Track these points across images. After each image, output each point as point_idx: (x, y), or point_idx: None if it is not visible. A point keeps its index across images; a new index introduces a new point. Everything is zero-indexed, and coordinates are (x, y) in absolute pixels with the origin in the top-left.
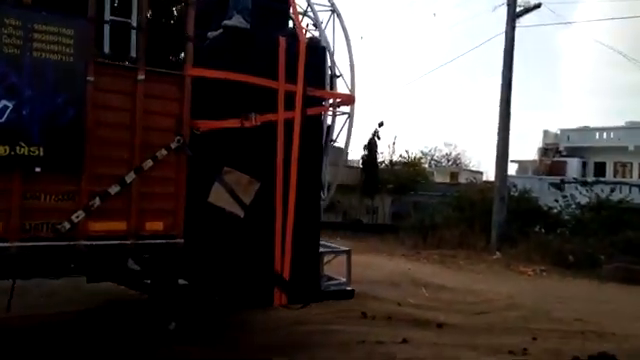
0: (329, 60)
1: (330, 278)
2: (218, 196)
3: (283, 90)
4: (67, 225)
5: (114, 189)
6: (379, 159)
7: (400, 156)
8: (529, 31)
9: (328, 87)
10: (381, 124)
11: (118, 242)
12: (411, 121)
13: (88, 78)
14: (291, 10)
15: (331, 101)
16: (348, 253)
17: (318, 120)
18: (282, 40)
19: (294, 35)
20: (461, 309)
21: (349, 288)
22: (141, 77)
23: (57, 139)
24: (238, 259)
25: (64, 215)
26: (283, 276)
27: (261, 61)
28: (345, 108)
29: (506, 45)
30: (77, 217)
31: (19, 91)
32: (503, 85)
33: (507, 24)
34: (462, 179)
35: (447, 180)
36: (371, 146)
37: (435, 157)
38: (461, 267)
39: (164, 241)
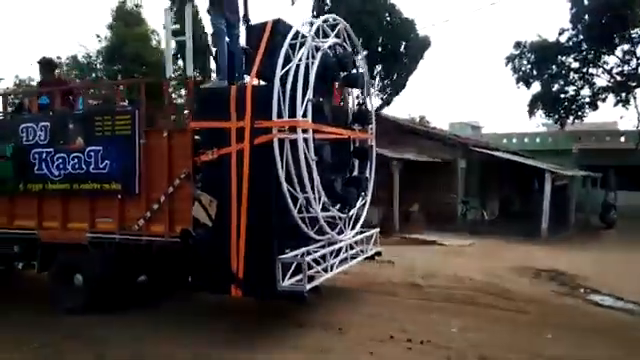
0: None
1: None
2: (198, 211)
3: (235, 127)
4: (136, 227)
5: (155, 206)
6: None
7: None
8: None
9: (275, 117)
10: None
11: (161, 239)
12: None
13: (141, 141)
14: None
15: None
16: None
17: (264, 149)
18: (233, 89)
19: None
20: None
21: (305, 292)
22: (165, 134)
23: (126, 179)
24: (207, 257)
25: (136, 221)
26: (237, 274)
27: (226, 107)
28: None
29: None
30: (140, 223)
31: (111, 154)
32: None
33: None
34: None
35: None
36: None
37: None
38: None
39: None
